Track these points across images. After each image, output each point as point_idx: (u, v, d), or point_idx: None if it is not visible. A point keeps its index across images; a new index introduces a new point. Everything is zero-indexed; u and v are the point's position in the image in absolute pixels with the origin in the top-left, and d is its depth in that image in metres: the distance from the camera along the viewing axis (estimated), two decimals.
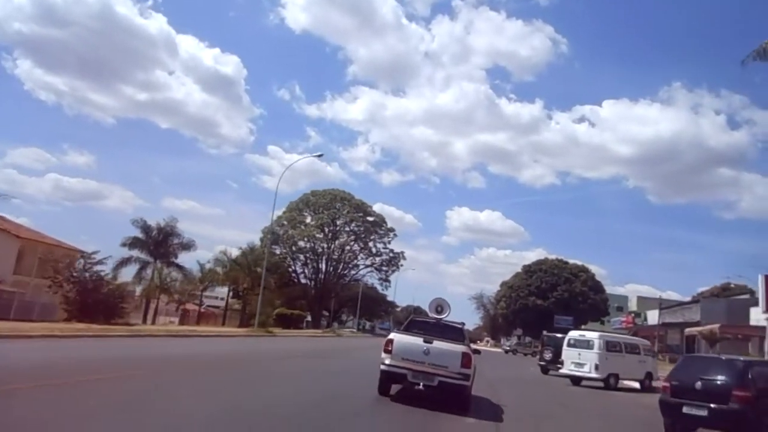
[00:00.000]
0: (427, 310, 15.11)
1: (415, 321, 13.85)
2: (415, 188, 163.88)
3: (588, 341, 23.71)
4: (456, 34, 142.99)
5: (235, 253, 55.65)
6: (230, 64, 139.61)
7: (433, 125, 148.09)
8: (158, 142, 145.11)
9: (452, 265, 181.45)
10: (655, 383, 25.49)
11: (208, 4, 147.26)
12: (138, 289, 53.42)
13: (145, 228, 55.64)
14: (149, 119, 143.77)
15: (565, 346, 24.58)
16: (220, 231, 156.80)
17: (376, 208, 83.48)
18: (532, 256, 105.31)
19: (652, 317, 64.81)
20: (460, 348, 11.61)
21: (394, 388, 12.15)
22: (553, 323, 74.24)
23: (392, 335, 12.19)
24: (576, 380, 24.03)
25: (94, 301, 27.01)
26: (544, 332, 38.82)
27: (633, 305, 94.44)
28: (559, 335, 30.96)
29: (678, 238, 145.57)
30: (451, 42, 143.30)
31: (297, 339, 37.20)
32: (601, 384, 23.15)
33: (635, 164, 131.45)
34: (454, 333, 12.78)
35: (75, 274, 27.99)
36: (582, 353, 23.49)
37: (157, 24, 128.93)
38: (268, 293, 73.25)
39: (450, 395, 11.44)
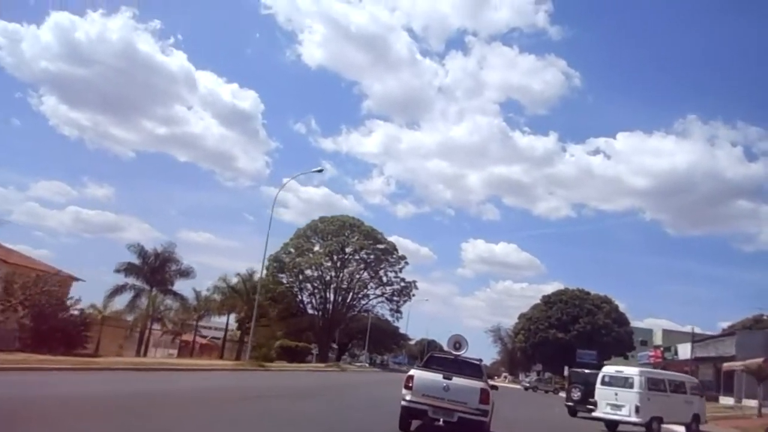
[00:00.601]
0: (445, 345, 15.46)
1: (433, 357, 14.17)
2: (429, 220, 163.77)
3: (626, 379, 19.80)
4: (469, 69, 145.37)
5: (235, 280, 52.10)
6: (248, 99, 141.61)
7: (447, 158, 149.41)
8: (176, 175, 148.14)
9: (468, 297, 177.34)
10: (702, 427, 21.72)
11: (226, 42, 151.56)
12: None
13: (142, 253, 52.62)
14: (168, 153, 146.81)
15: (598, 384, 20.59)
16: (235, 263, 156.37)
17: (391, 240, 79.90)
18: (549, 289, 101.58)
19: (683, 351, 60.14)
20: (478, 384, 11.91)
21: (414, 424, 12.42)
22: (574, 357, 69.92)
23: (412, 371, 12.44)
24: (611, 425, 20.17)
25: (51, 329, 23.53)
26: (569, 368, 34.86)
27: (658, 339, 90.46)
28: (587, 371, 27.10)
29: (696, 271, 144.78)
30: (464, 77, 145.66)
31: (293, 374, 33.48)
32: (642, 429, 19.29)
33: (651, 196, 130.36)
34: (473, 369, 12.98)
35: (30, 296, 24.50)
36: (620, 393, 19.57)
37: (177, 61, 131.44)
38: (273, 324, 70.12)
39: (469, 431, 11.64)
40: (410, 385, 11.84)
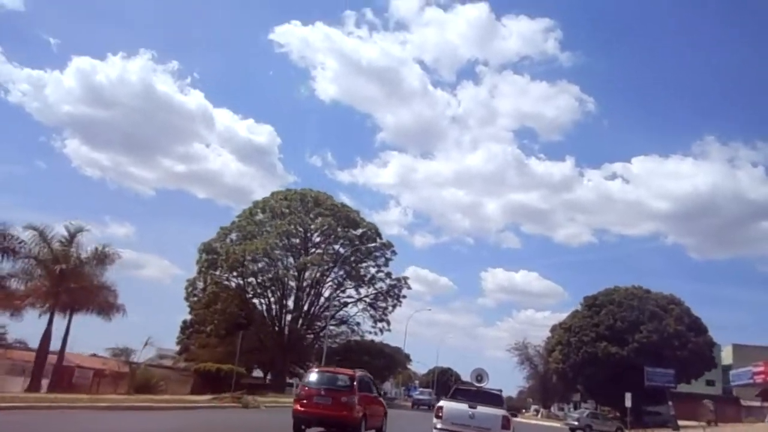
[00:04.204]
0: (462, 373, 17.28)
1: (459, 389, 16.76)
2: (448, 250, 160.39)
3: None
4: (481, 99, 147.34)
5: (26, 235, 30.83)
6: (264, 134, 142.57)
7: (463, 186, 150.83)
8: (195, 212, 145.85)
9: (490, 328, 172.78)
10: None
11: (242, 80, 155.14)
12: None
13: None
14: (187, 190, 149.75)
15: None
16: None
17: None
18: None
19: None
20: (500, 412, 14.52)
21: None
22: (637, 380, 47.68)
23: (442, 402, 15.35)
24: None
25: None
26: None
27: (728, 357, 70.89)
28: None
29: (722, 294, 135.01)
30: (476, 106, 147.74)
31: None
32: None
33: (673, 220, 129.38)
34: (494, 399, 15.59)
35: None
36: None
37: (195, 100, 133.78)
38: (214, 339, 49.81)
39: None
40: (440, 414, 14.45)
